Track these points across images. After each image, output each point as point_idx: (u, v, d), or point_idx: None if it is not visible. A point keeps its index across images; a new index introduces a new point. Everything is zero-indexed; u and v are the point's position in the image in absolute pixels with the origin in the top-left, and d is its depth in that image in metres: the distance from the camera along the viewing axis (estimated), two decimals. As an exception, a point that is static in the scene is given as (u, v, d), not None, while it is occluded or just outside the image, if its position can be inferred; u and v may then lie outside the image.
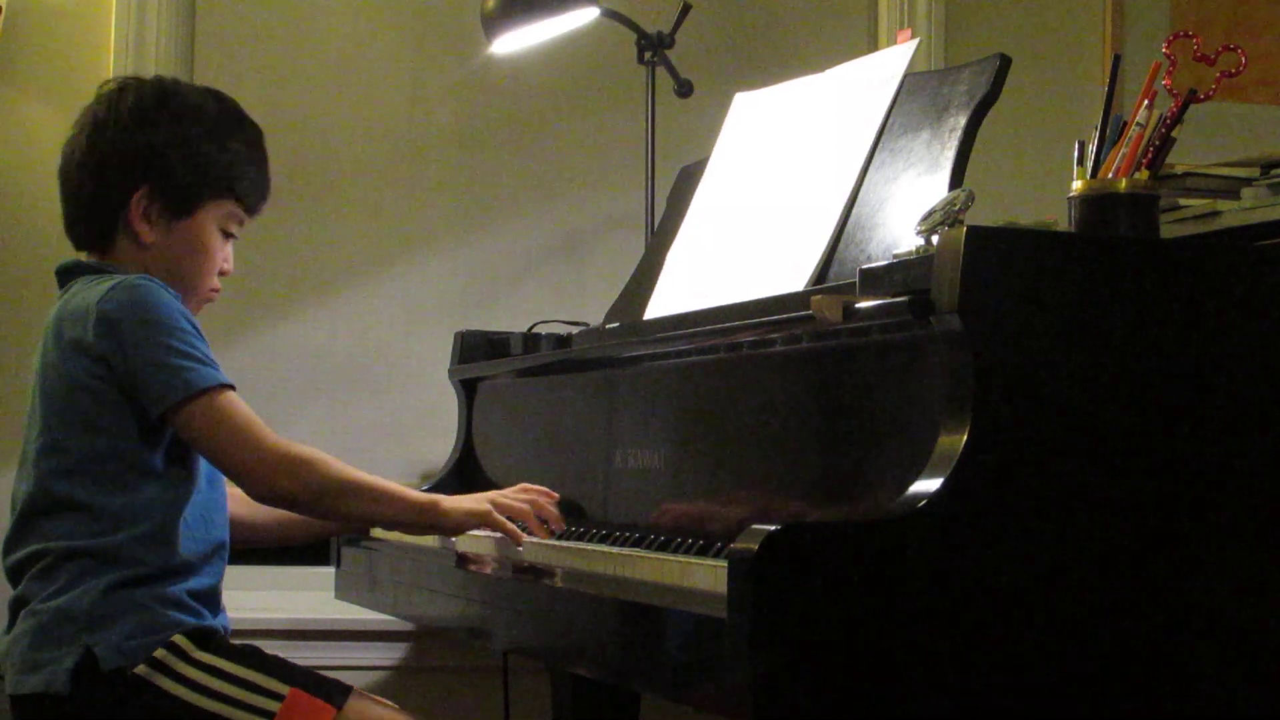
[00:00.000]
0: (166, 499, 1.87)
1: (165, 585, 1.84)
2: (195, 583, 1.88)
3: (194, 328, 1.87)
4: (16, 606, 1.86)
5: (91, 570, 1.81)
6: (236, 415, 1.85)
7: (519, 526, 1.98)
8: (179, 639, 1.81)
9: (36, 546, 1.84)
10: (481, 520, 1.98)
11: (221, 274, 2.03)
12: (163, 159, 1.95)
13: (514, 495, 2.03)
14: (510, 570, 1.92)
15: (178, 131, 1.97)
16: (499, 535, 1.99)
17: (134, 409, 1.84)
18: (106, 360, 1.83)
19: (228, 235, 2.02)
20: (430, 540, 2.17)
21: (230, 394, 1.86)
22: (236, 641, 1.94)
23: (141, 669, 1.79)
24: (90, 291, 1.87)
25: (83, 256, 1.99)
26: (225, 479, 1.98)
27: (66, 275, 1.98)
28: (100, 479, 1.84)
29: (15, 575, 1.87)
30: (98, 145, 1.96)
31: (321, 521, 2.13)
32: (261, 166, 2.05)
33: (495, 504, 1.99)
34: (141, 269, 1.94)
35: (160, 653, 1.80)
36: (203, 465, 1.93)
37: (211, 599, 1.92)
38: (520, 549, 1.95)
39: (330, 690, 1.85)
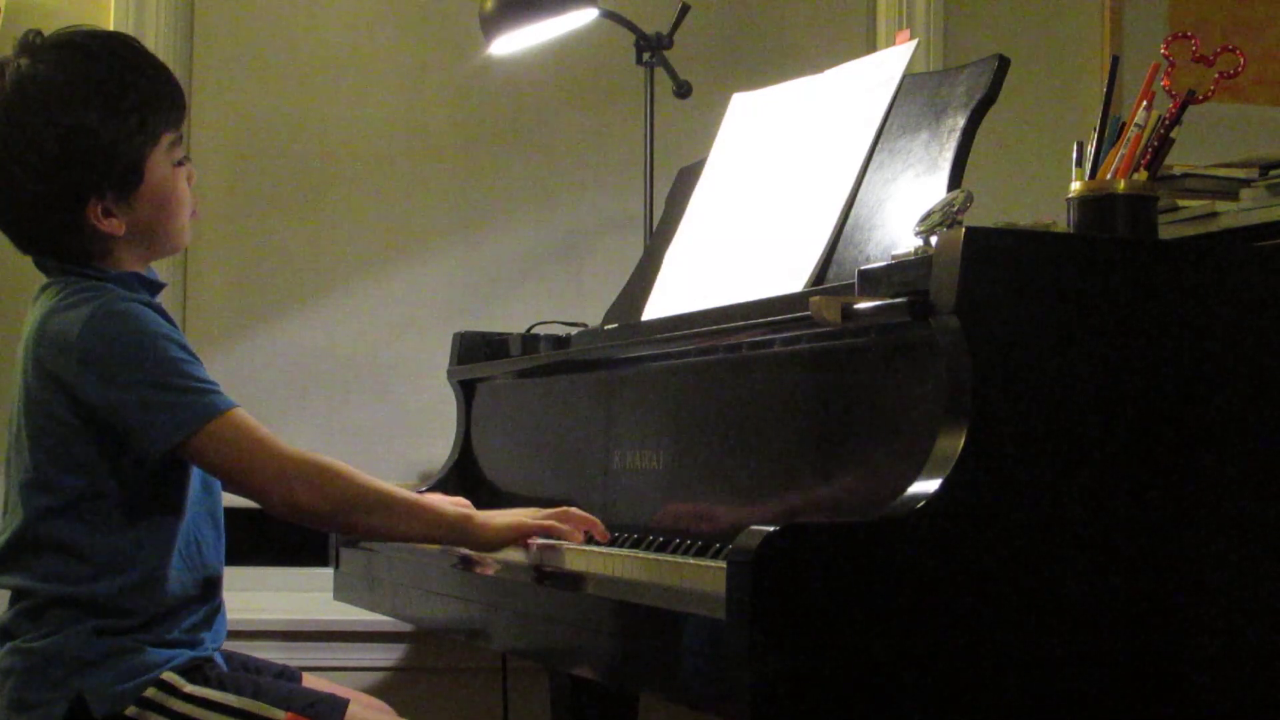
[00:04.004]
0: (155, 540, 1.80)
1: (156, 630, 1.79)
2: (188, 621, 1.84)
3: (185, 351, 1.78)
4: (3, 632, 1.80)
5: (78, 617, 1.75)
6: (243, 436, 1.76)
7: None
8: (168, 675, 1.75)
9: (23, 582, 1.79)
10: (518, 534, 1.89)
11: (190, 181, 1.90)
12: (85, 166, 1.80)
13: (550, 515, 1.93)
14: (508, 571, 1.92)
15: (77, 127, 1.78)
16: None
17: (121, 449, 1.76)
18: (92, 404, 1.75)
19: (180, 163, 1.88)
20: (429, 541, 2.16)
21: (233, 415, 1.77)
22: (234, 649, 1.93)
23: (131, 710, 1.73)
24: (71, 315, 1.77)
25: None
26: (216, 491, 1.92)
27: (45, 267, 1.87)
28: (87, 519, 1.77)
29: (4, 587, 1.84)
30: (12, 181, 1.81)
31: None
32: (153, 76, 1.86)
33: (527, 524, 1.90)
34: (125, 245, 1.84)
35: (151, 691, 1.74)
36: (191, 490, 1.87)
37: (206, 627, 1.87)
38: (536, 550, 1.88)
39: (326, 710, 1.81)
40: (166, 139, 1.86)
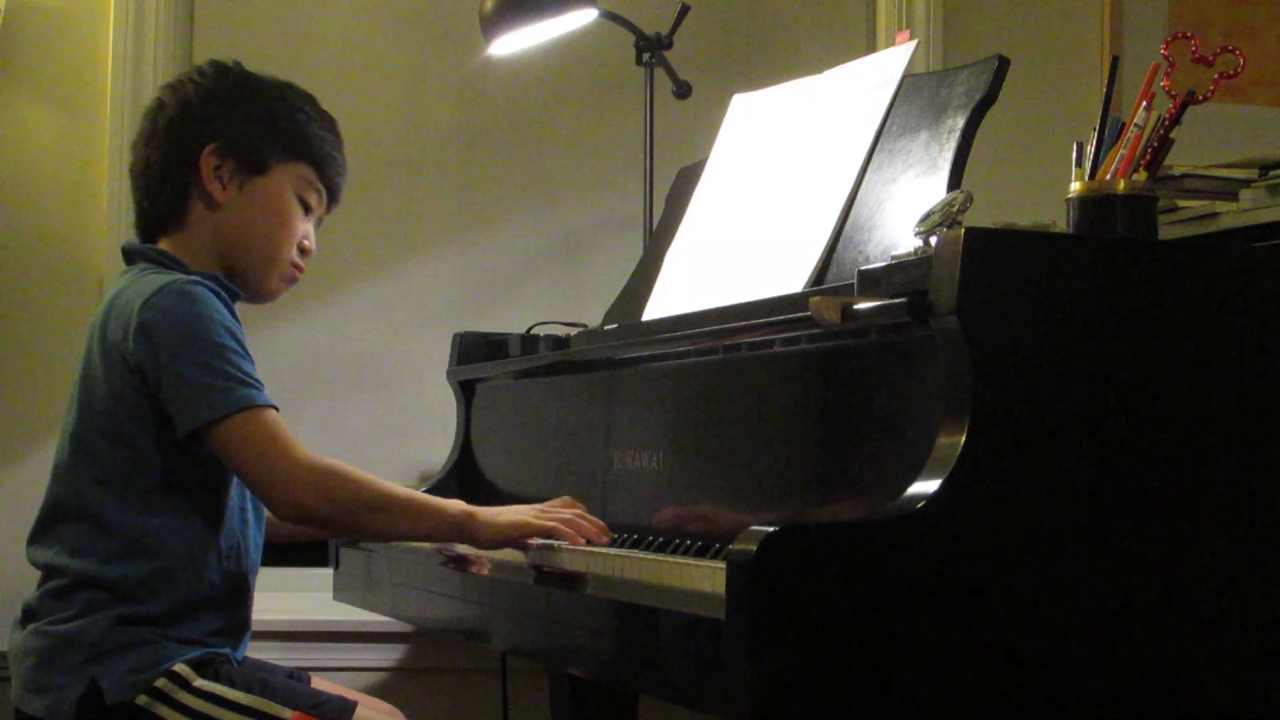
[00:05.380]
0: (189, 529, 1.81)
1: (178, 625, 1.80)
2: (213, 623, 1.84)
3: (238, 343, 1.79)
4: (28, 613, 1.82)
5: (103, 603, 1.77)
6: (265, 436, 1.77)
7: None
8: (180, 667, 1.76)
9: (54, 559, 1.81)
10: (520, 532, 1.87)
11: (304, 253, 1.97)
12: (229, 114, 1.90)
13: (551, 508, 1.91)
14: (507, 572, 1.92)
15: (243, 93, 1.93)
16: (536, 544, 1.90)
17: (164, 425, 1.78)
18: (142, 371, 1.77)
19: (306, 208, 1.96)
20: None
21: (263, 414, 1.77)
22: (250, 655, 1.93)
23: (142, 699, 1.74)
24: (139, 288, 1.80)
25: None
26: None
27: (129, 256, 1.92)
28: (125, 494, 1.79)
29: (36, 566, 1.85)
30: (160, 118, 1.92)
31: None
32: (336, 141, 2.00)
33: (530, 523, 1.87)
34: (216, 237, 1.89)
35: (161, 682, 1.75)
36: (236, 496, 1.88)
37: (231, 633, 1.87)
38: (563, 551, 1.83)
39: (333, 711, 1.82)
40: (304, 170, 1.95)
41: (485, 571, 1.97)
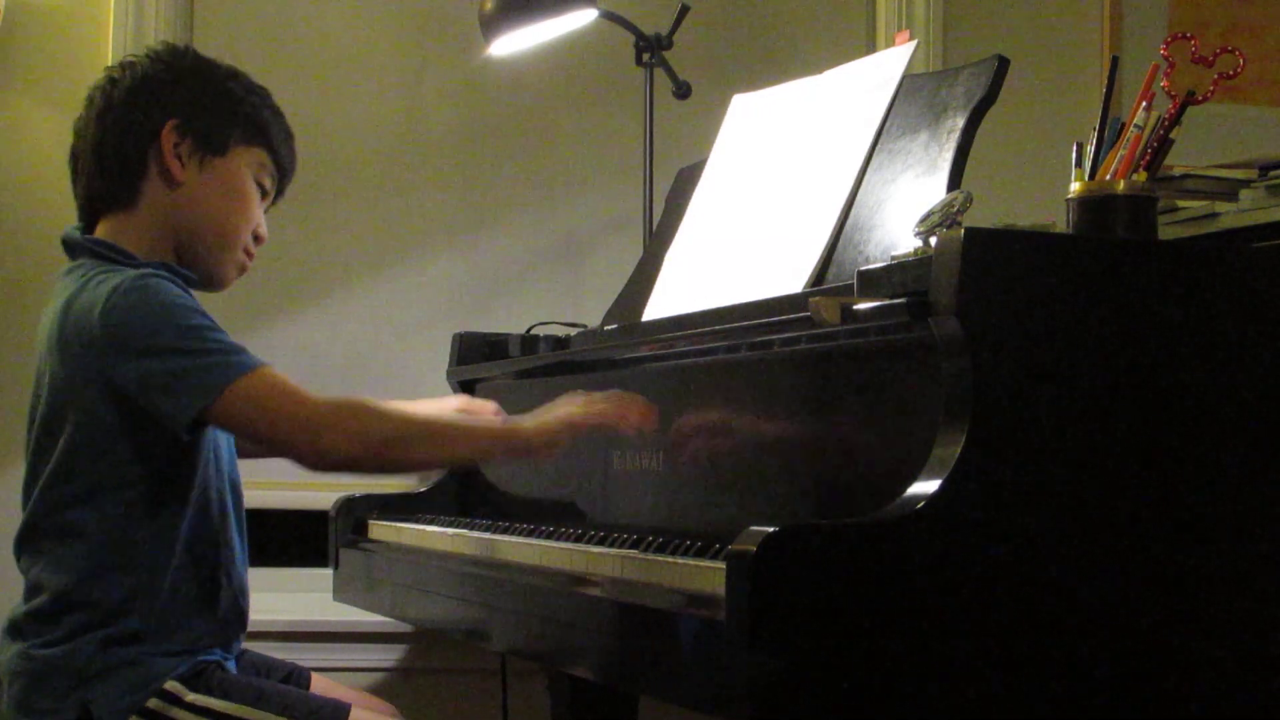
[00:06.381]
0: (163, 533, 1.78)
1: (166, 637, 1.78)
2: (202, 626, 1.81)
3: (209, 319, 1.74)
4: (15, 630, 1.80)
5: (88, 625, 1.74)
6: (270, 391, 1.70)
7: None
8: (171, 684, 1.74)
9: (39, 573, 1.78)
10: (574, 429, 1.79)
11: (258, 240, 1.92)
12: (188, 92, 1.86)
13: (598, 400, 1.81)
14: (507, 572, 1.92)
15: (202, 73, 1.89)
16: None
17: (147, 432, 1.74)
18: (120, 382, 1.72)
19: (263, 192, 1.92)
20: (430, 542, 2.17)
21: (261, 373, 1.70)
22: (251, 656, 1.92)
23: None
24: (91, 296, 1.75)
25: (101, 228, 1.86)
26: (241, 497, 1.92)
27: (71, 249, 1.85)
28: (106, 508, 1.75)
29: (22, 572, 1.83)
30: (115, 93, 1.86)
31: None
32: (289, 133, 1.96)
33: (577, 419, 1.80)
34: (170, 218, 1.84)
35: (153, 702, 1.73)
36: (215, 492, 1.85)
37: (222, 634, 1.85)
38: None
39: (328, 716, 1.80)
40: (261, 155, 1.91)
41: (485, 571, 1.97)
